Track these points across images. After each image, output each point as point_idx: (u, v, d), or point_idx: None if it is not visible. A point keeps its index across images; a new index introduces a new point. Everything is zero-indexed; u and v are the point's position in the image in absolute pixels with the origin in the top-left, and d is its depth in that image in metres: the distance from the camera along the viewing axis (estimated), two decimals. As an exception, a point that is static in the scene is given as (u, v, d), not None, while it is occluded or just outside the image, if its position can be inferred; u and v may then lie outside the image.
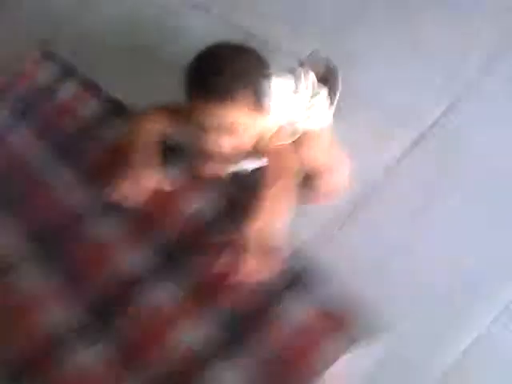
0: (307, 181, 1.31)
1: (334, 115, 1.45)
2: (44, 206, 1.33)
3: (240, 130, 1.11)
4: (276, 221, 1.12)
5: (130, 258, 1.19)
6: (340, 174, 1.36)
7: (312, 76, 1.40)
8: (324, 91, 1.41)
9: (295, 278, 1.11)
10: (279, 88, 1.24)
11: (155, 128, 1.26)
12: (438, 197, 1.34)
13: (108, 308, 1.13)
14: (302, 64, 1.48)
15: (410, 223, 1.32)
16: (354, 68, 1.54)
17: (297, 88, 1.33)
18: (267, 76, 1.14)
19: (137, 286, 1.15)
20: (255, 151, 1.21)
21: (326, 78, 1.49)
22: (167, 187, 1.25)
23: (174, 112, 1.23)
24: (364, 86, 1.52)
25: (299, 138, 1.28)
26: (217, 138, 1.11)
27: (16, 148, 1.48)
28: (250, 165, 1.27)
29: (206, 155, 1.21)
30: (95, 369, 1.07)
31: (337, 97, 1.48)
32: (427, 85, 1.51)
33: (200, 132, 1.13)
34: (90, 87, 1.54)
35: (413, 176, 1.38)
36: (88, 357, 1.08)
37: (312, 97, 1.36)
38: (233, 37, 1.17)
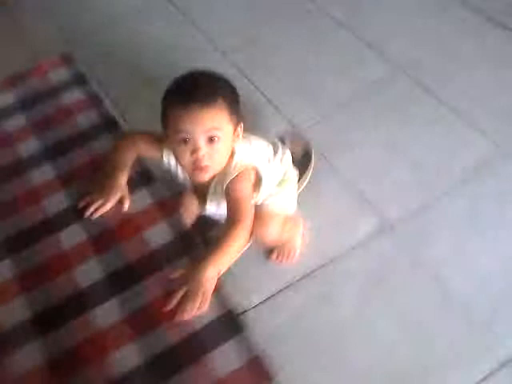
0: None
1: (308, 188, 1.57)
2: (20, 197, 1.40)
3: (219, 136, 1.19)
4: (225, 266, 1.20)
5: (81, 271, 1.24)
6: (293, 244, 1.46)
7: (288, 155, 1.49)
8: (295, 175, 1.51)
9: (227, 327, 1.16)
10: (256, 146, 1.35)
11: (134, 148, 1.35)
12: (396, 276, 1.42)
13: (51, 316, 1.18)
14: (282, 140, 1.58)
15: (362, 299, 1.39)
16: (339, 152, 1.67)
17: (272, 158, 1.43)
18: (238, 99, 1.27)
19: (82, 298, 1.19)
20: (218, 192, 1.29)
21: (301, 160, 1.61)
22: (125, 207, 1.33)
23: (156, 140, 1.32)
24: (343, 171, 1.64)
25: (258, 212, 1.35)
26: (195, 146, 1.18)
27: (9, 133, 1.56)
28: (213, 209, 1.35)
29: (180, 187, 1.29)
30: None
31: (306, 180, 1.59)
32: (401, 184, 1.61)
33: (177, 150, 1.22)
34: (93, 99, 1.65)
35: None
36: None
37: (283, 179, 1.45)
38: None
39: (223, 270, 1.20)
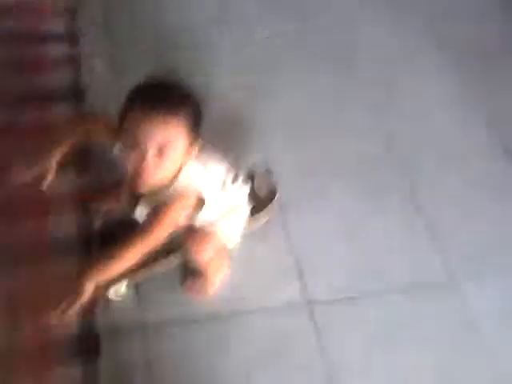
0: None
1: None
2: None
3: (169, 150, 1.15)
4: (108, 275, 1.14)
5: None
6: (212, 279, 1.46)
7: (246, 190, 1.47)
8: (246, 211, 1.48)
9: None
10: (211, 170, 1.32)
11: (83, 133, 1.29)
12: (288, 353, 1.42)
13: None
14: (250, 174, 1.57)
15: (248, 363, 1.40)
16: (300, 211, 1.66)
17: (224, 186, 1.39)
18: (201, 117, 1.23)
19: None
20: (150, 202, 1.24)
21: (262, 200, 1.60)
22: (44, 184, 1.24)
23: (113, 129, 1.25)
24: (293, 231, 1.63)
25: (196, 230, 1.35)
26: (143, 155, 1.13)
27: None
28: (139, 214, 1.29)
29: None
30: None
31: (263, 220, 1.58)
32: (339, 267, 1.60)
33: (125, 151, 1.16)
34: (74, 61, 1.57)
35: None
36: None
37: (233, 208, 1.43)
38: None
39: (106, 278, 1.13)
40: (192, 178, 1.26)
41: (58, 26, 1.64)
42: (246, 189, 1.47)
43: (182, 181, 1.24)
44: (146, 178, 1.18)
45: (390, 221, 1.65)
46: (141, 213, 1.26)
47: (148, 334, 1.43)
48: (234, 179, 1.43)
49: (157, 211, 1.22)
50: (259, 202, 1.63)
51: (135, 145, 1.14)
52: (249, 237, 1.60)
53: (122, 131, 1.16)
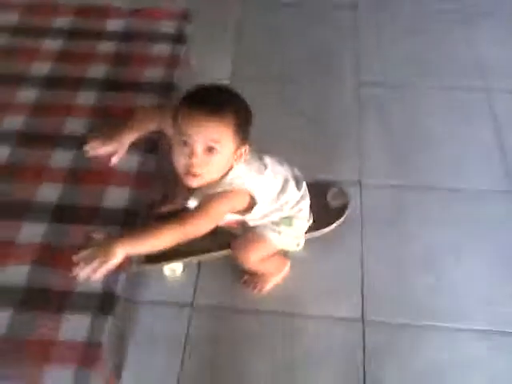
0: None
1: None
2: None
3: (217, 148, 1.25)
4: (137, 251, 1.26)
5: (42, 187, 1.37)
6: (268, 278, 1.59)
7: (307, 200, 1.50)
8: (305, 221, 1.50)
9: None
10: (266, 174, 1.39)
11: (157, 121, 1.43)
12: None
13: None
14: (324, 187, 1.65)
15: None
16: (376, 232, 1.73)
17: (281, 193, 1.42)
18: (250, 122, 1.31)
19: (18, 208, 1.33)
20: (206, 193, 1.33)
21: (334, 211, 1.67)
22: (113, 160, 1.42)
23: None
24: (369, 243, 1.71)
25: (249, 235, 1.47)
26: (192, 151, 1.24)
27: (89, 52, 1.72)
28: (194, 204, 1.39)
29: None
30: None
31: (324, 231, 1.64)
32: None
33: (176, 150, 1.28)
34: (175, 60, 1.72)
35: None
36: None
37: (288, 215, 1.47)
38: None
39: (137, 251, 1.25)
40: (243, 178, 1.32)
41: (168, 27, 1.82)
42: (307, 201, 1.50)
43: (233, 179, 1.30)
44: (194, 174, 1.27)
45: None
46: (193, 205, 1.36)
47: (191, 313, 1.52)
48: (295, 188, 1.46)
49: (204, 202, 1.30)
50: (331, 211, 1.64)
51: (184, 142, 1.25)
52: (322, 241, 1.62)
53: (175, 127, 1.27)
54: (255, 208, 1.37)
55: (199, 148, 1.24)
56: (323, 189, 1.71)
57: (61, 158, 1.42)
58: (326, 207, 1.67)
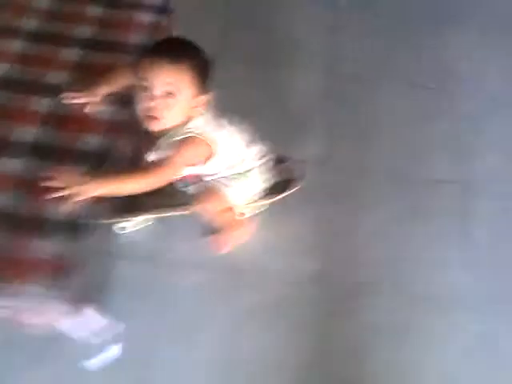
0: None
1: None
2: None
3: (175, 92, 1.38)
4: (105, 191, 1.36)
5: (20, 130, 1.48)
6: (230, 237, 1.73)
7: (259, 163, 1.66)
8: (256, 182, 1.65)
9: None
10: (224, 134, 1.53)
11: (131, 77, 1.54)
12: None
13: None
14: (281, 158, 1.77)
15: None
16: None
17: (238, 149, 1.58)
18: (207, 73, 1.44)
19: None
20: (163, 146, 1.47)
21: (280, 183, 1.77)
22: (87, 108, 1.54)
23: None
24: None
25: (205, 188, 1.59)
26: (151, 95, 1.38)
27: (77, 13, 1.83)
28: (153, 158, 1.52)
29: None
30: None
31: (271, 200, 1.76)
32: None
33: (138, 96, 1.42)
34: (157, 27, 1.83)
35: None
36: None
37: (244, 173, 1.60)
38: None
39: (100, 193, 1.35)
40: (202, 129, 1.44)
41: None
42: (259, 164, 1.64)
43: (192, 128, 1.42)
44: (154, 117, 1.39)
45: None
46: (153, 157, 1.50)
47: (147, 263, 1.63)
48: (251, 145, 1.59)
49: (166, 155, 1.42)
50: (280, 184, 1.77)
51: (144, 87, 1.38)
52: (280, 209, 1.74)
53: (138, 76, 1.41)
54: (212, 160, 1.50)
55: (158, 91, 1.38)
56: (277, 161, 1.81)
57: (40, 104, 1.54)
58: (277, 178, 1.79)
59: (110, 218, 1.66)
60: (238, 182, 1.60)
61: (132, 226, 1.73)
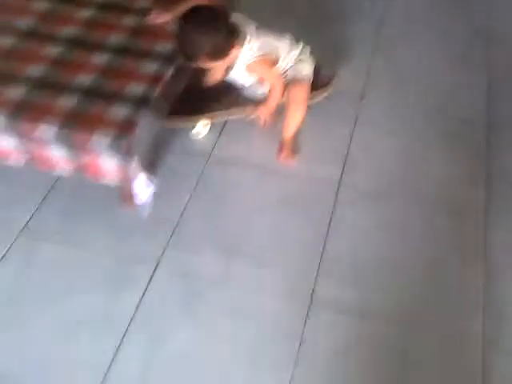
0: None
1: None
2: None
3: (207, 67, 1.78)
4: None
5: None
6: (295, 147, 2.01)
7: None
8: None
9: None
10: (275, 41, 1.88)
11: None
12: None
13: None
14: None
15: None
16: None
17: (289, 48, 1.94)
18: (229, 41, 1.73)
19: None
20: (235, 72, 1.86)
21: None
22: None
23: None
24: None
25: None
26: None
27: None
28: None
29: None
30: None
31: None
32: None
33: None
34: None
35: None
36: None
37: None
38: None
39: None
40: (254, 50, 1.81)
41: None
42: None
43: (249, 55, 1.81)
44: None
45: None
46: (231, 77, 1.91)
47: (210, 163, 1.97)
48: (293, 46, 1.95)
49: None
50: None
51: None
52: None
53: None
54: (279, 60, 1.89)
55: (198, 58, 1.73)
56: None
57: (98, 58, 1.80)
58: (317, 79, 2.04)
59: (179, 119, 2.00)
60: (301, 64, 1.95)
61: (198, 128, 2.03)
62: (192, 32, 1.67)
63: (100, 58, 1.78)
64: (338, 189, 1.88)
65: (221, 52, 1.72)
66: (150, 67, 1.76)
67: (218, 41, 1.69)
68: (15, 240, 1.74)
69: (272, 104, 1.94)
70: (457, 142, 2.04)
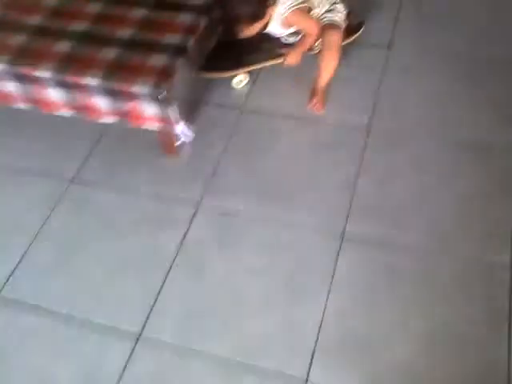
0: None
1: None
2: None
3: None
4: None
5: None
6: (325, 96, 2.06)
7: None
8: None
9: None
10: None
11: None
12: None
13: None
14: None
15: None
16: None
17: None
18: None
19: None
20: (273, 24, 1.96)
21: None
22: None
23: None
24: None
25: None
26: None
27: None
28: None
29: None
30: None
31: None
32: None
33: None
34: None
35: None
36: None
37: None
38: None
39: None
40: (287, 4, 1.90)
41: None
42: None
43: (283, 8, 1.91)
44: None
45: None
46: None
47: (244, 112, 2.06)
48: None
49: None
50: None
51: None
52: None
53: None
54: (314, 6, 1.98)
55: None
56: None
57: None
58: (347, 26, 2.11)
59: (219, 72, 2.09)
60: (333, 12, 2.02)
61: (239, 77, 2.12)
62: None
63: (138, 13, 1.88)
64: (367, 135, 1.96)
65: (258, 17, 1.85)
66: (185, 18, 1.86)
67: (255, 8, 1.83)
68: (66, 189, 1.89)
69: (305, 48, 2.01)
70: (487, 85, 2.07)
